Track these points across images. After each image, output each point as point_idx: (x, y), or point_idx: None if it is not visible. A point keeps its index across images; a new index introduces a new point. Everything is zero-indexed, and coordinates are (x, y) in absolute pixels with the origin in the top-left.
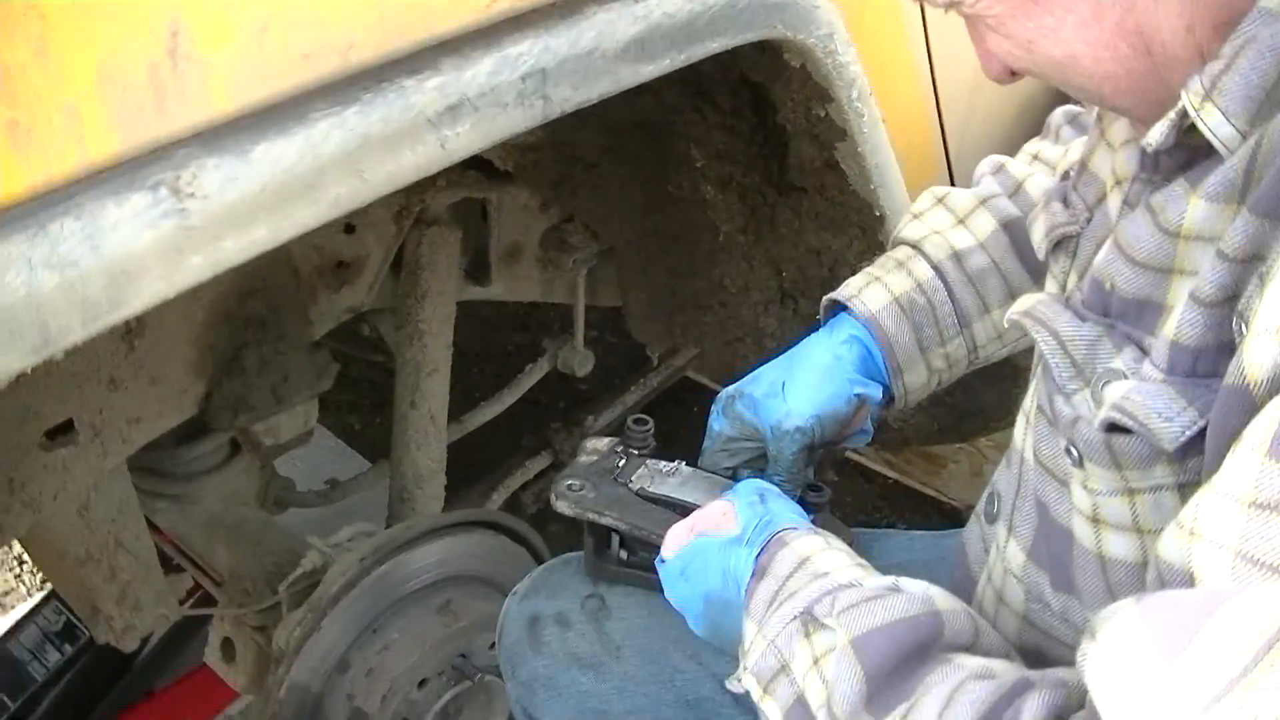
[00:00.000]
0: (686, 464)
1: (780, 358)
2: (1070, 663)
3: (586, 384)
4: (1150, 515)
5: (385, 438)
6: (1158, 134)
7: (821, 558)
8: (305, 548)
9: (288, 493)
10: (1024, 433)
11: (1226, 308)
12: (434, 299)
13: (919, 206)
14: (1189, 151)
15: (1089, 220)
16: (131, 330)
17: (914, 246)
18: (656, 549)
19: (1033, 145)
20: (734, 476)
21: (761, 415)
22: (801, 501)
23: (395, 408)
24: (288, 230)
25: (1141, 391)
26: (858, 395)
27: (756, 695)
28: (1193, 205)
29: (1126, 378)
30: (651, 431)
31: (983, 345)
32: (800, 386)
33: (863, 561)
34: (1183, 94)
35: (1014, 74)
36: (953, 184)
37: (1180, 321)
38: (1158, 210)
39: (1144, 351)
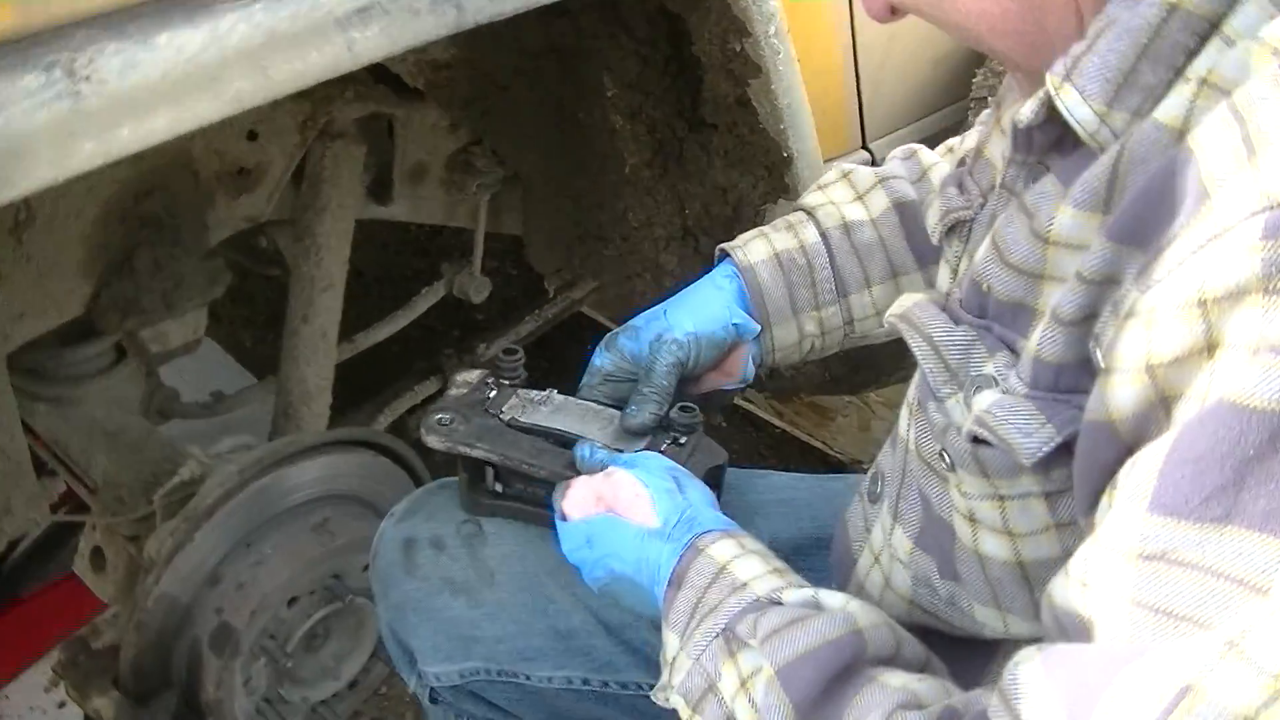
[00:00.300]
0: (558, 393)
1: (669, 298)
2: (956, 642)
3: (482, 313)
4: (1019, 520)
5: (276, 356)
6: (1028, 110)
7: (738, 565)
8: (184, 458)
9: (171, 403)
10: (907, 424)
11: (1085, 325)
12: (334, 213)
13: (825, 179)
14: (1060, 127)
15: (983, 206)
16: (20, 223)
17: (808, 212)
18: (531, 479)
19: (953, 140)
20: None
21: (641, 339)
22: (672, 422)
23: (286, 322)
24: (187, 122)
25: (1003, 406)
26: (735, 325)
27: (685, 714)
28: (1061, 212)
29: (996, 384)
30: (522, 361)
31: (860, 319)
32: (681, 308)
33: (779, 565)
34: (1047, 75)
35: (895, 11)
36: (863, 132)
37: (1041, 338)
38: (1031, 212)
39: (1016, 355)
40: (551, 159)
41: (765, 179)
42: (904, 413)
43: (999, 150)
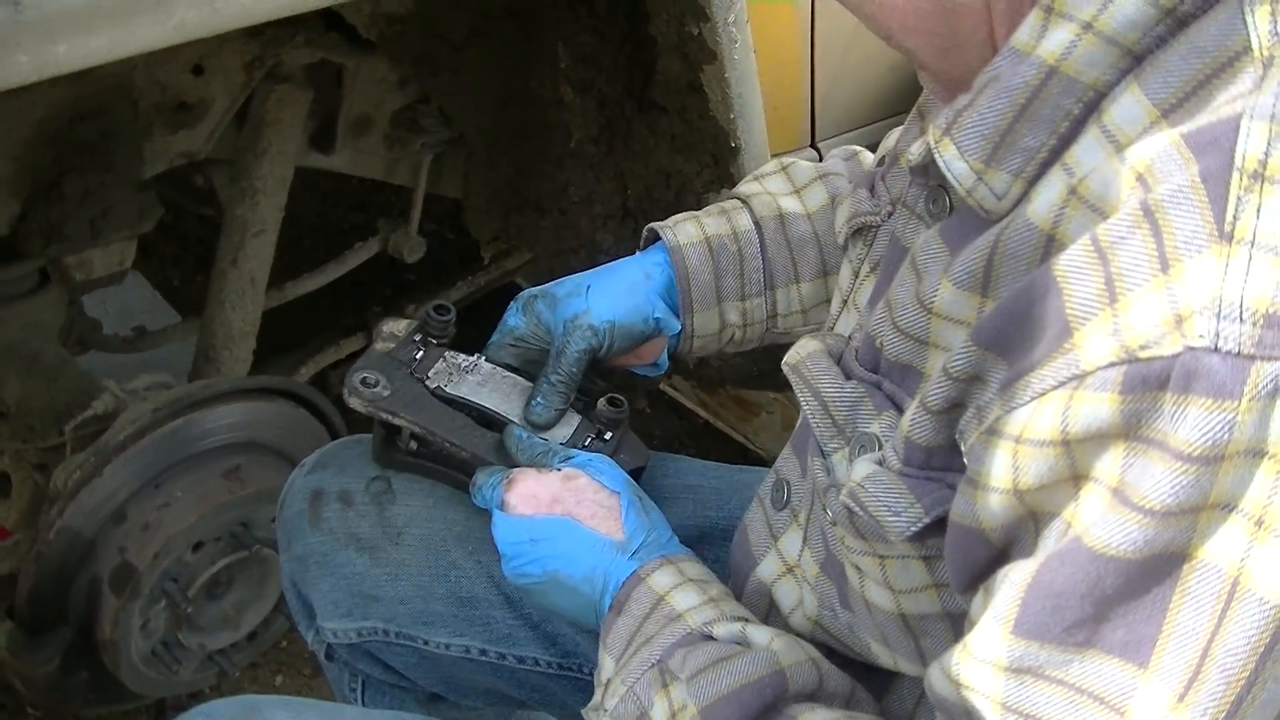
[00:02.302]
0: (485, 359)
1: (592, 270)
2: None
3: (414, 274)
4: (899, 578)
5: (203, 297)
6: (916, 151)
7: (676, 596)
8: (99, 391)
9: (92, 334)
10: (799, 455)
11: (952, 413)
12: (273, 158)
13: (763, 170)
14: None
15: (890, 214)
16: None
17: (744, 201)
18: (448, 453)
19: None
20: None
21: (558, 313)
22: (598, 414)
23: (215, 263)
24: (129, 45)
25: (875, 482)
26: (657, 320)
27: None
28: (943, 287)
29: (879, 446)
30: (452, 320)
31: (784, 315)
32: (603, 291)
33: (715, 593)
34: (930, 126)
35: None
36: (813, 131)
37: (911, 422)
38: (920, 273)
39: (901, 414)
40: (498, 124)
41: (710, 167)
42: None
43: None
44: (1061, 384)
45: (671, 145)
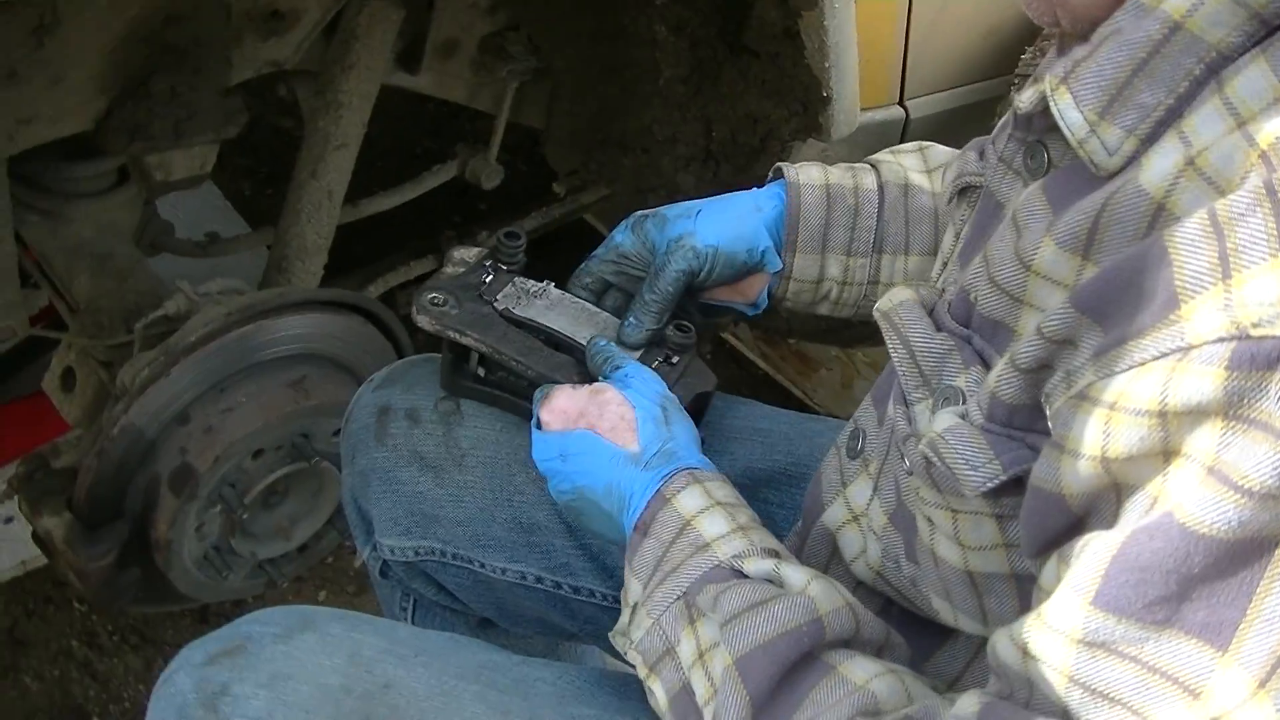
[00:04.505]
0: (555, 285)
1: (707, 198)
2: (914, 617)
3: (486, 202)
4: (971, 534)
5: (273, 210)
6: (1028, 98)
7: (703, 522)
8: (171, 292)
9: (165, 236)
10: (880, 402)
11: (1039, 374)
12: (360, 73)
13: (902, 146)
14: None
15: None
16: (44, 25)
17: (873, 165)
18: (514, 374)
19: None
20: (598, 303)
21: (666, 232)
22: (666, 338)
23: (294, 175)
24: None
25: (956, 435)
26: (761, 252)
27: (641, 672)
28: (1045, 245)
29: (964, 400)
30: (523, 247)
31: (885, 283)
32: (714, 216)
33: (744, 520)
34: (1046, 74)
35: None
36: (903, 87)
37: (999, 378)
38: (1020, 229)
39: (988, 369)
40: (587, 58)
41: (800, 115)
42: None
43: None
44: (1164, 355)
45: (761, 90)
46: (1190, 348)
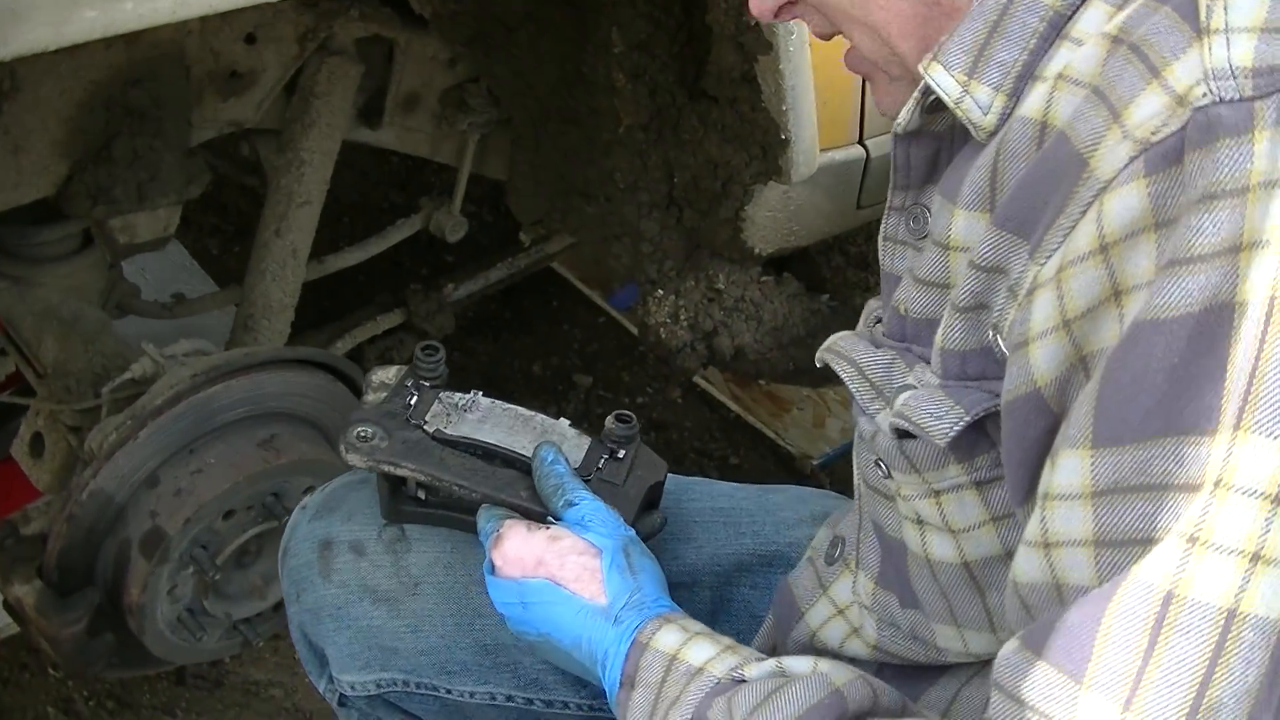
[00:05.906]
0: (483, 394)
1: None
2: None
3: (453, 254)
4: (956, 515)
5: (240, 267)
6: (904, 114)
7: (689, 651)
8: (137, 355)
9: (131, 298)
10: (855, 465)
11: (980, 313)
12: (321, 130)
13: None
14: (934, 141)
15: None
16: (3, 92)
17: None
18: (458, 498)
19: None
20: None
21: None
22: (609, 433)
23: (259, 233)
24: (191, 7)
25: (917, 397)
26: None
27: None
28: (956, 217)
29: (917, 388)
30: (442, 360)
31: None
32: None
33: (727, 641)
34: (919, 65)
35: (781, 12)
36: (862, 124)
37: (945, 328)
38: (930, 228)
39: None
40: (547, 108)
41: (759, 159)
42: (854, 460)
43: None
44: (1089, 204)
45: (721, 136)
46: (1108, 184)
